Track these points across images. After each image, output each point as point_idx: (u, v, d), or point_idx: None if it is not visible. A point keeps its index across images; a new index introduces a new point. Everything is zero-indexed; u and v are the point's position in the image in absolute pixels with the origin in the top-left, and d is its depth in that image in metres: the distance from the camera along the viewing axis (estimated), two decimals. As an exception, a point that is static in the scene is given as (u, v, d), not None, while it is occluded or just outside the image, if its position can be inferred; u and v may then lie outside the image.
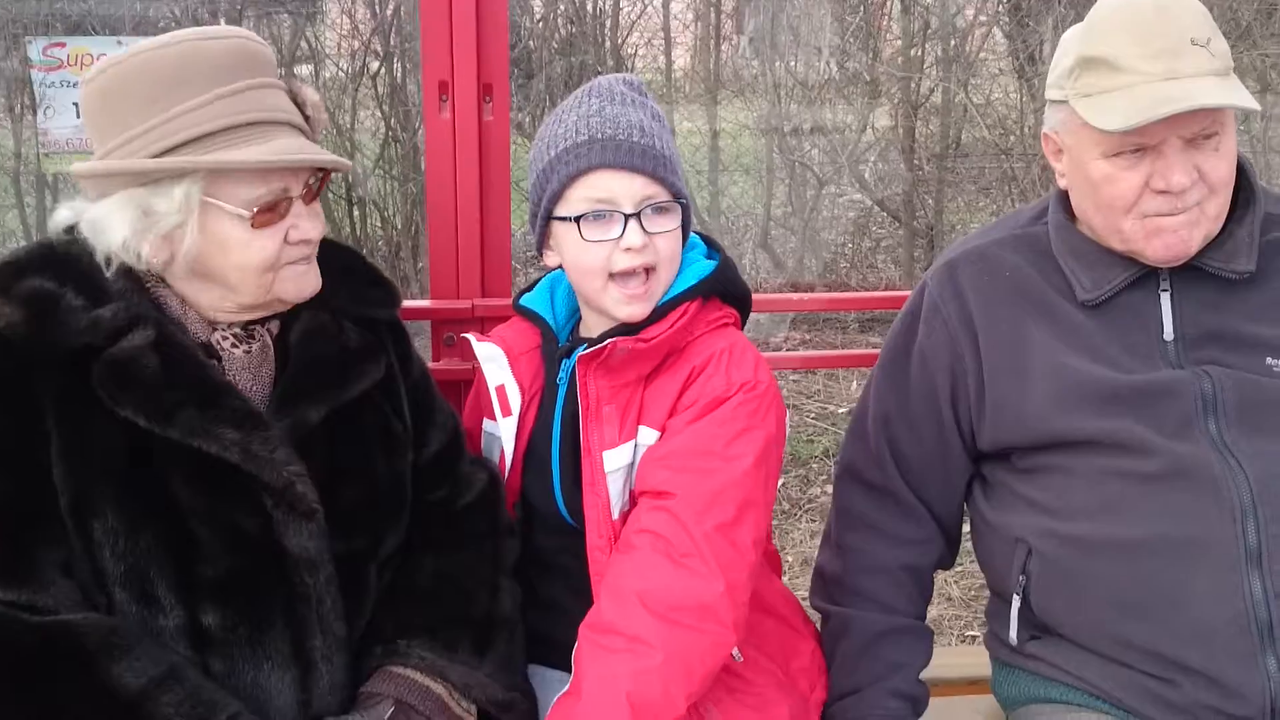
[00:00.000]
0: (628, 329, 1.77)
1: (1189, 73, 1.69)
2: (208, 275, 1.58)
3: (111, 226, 1.51)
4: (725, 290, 1.85)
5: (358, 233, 6.88)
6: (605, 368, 1.75)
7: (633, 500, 1.78)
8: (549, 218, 1.79)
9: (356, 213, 6.62)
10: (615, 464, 1.76)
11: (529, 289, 1.99)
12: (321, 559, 1.58)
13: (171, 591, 1.50)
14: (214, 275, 1.58)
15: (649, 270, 1.75)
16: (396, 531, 1.72)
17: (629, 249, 1.72)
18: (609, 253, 1.73)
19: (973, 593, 4.19)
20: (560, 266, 1.86)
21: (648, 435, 1.78)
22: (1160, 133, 1.70)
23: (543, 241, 1.85)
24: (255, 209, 1.54)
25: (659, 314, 1.78)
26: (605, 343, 1.74)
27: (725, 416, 1.73)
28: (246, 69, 1.54)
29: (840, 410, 5.78)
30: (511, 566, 1.81)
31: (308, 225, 1.60)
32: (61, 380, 1.49)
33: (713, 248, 1.92)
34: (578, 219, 1.74)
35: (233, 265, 1.56)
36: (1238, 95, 1.71)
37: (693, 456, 1.71)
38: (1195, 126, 1.70)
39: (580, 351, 1.80)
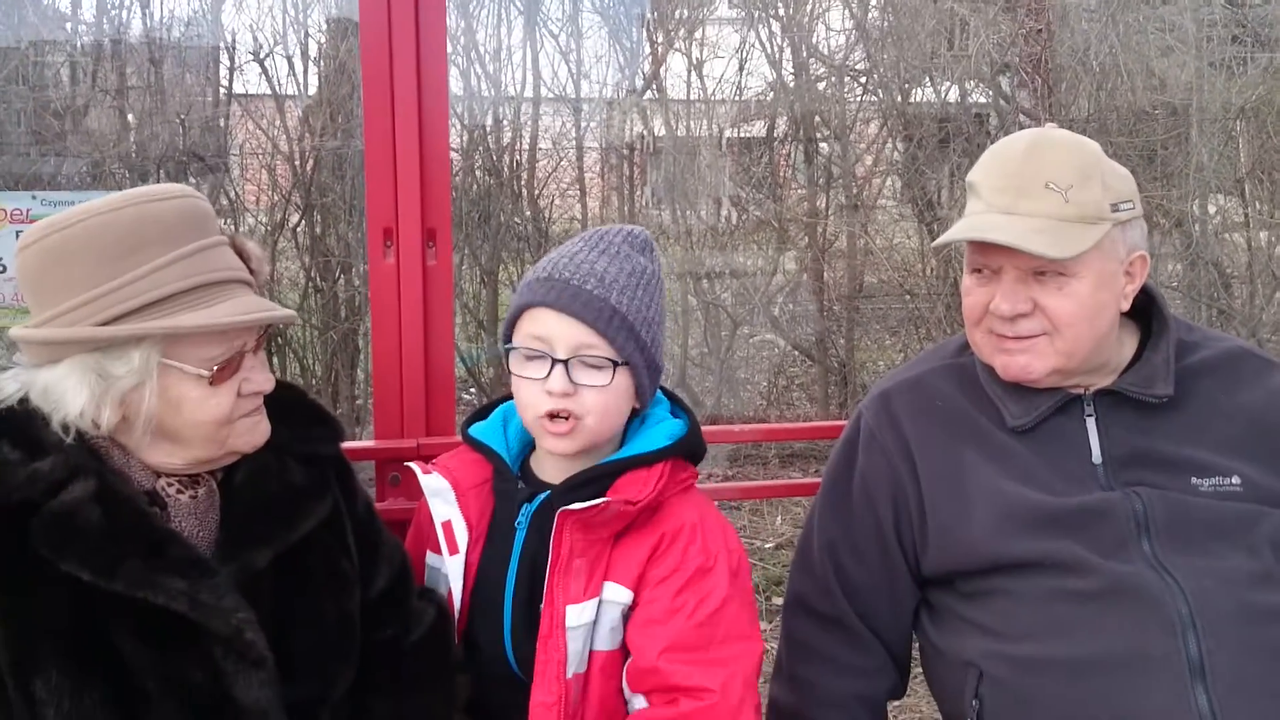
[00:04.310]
0: (594, 482, 1.77)
1: (1025, 211, 1.78)
2: (161, 433, 1.56)
3: (68, 393, 1.48)
4: (691, 451, 1.84)
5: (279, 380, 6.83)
6: (584, 523, 1.71)
7: (589, 664, 1.73)
8: (508, 345, 1.79)
9: (277, 361, 6.59)
10: (578, 620, 1.71)
11: (480, 416, 1.94)
12: (272, 708, 1.53)
13: None
14: (167, 433, 1.56)
15: (572, 416, 1.72)
16: (347, 674, 1.67)
17: (550, 393, 1.71)
18: (538, 391, 1.72)
19: (913, 728, 4.15)
20: None
21: (616, 592, 1.73)
22: (997, 260, 1.81)
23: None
24: (215, 368, 1.54)
25: (625, 466, 1.77)
26: (598, 502, 1.70)
27: (714, 590, 1.73)
28: (196, 229, 1.54)
29: (767, 545, 5.78)
30: (464, 702, 1.77)
31: (260, 377, 1.61)
32: None
33: (675, 403, 1.91)
34: (510, 350, 1.75)
35: (187, 423, 1.55)
36: (1039, 240, 1.73)
37: (714, 645, 1.71)
38: (1028, 262, 1.78)
39: (543, 498, 1.79)
